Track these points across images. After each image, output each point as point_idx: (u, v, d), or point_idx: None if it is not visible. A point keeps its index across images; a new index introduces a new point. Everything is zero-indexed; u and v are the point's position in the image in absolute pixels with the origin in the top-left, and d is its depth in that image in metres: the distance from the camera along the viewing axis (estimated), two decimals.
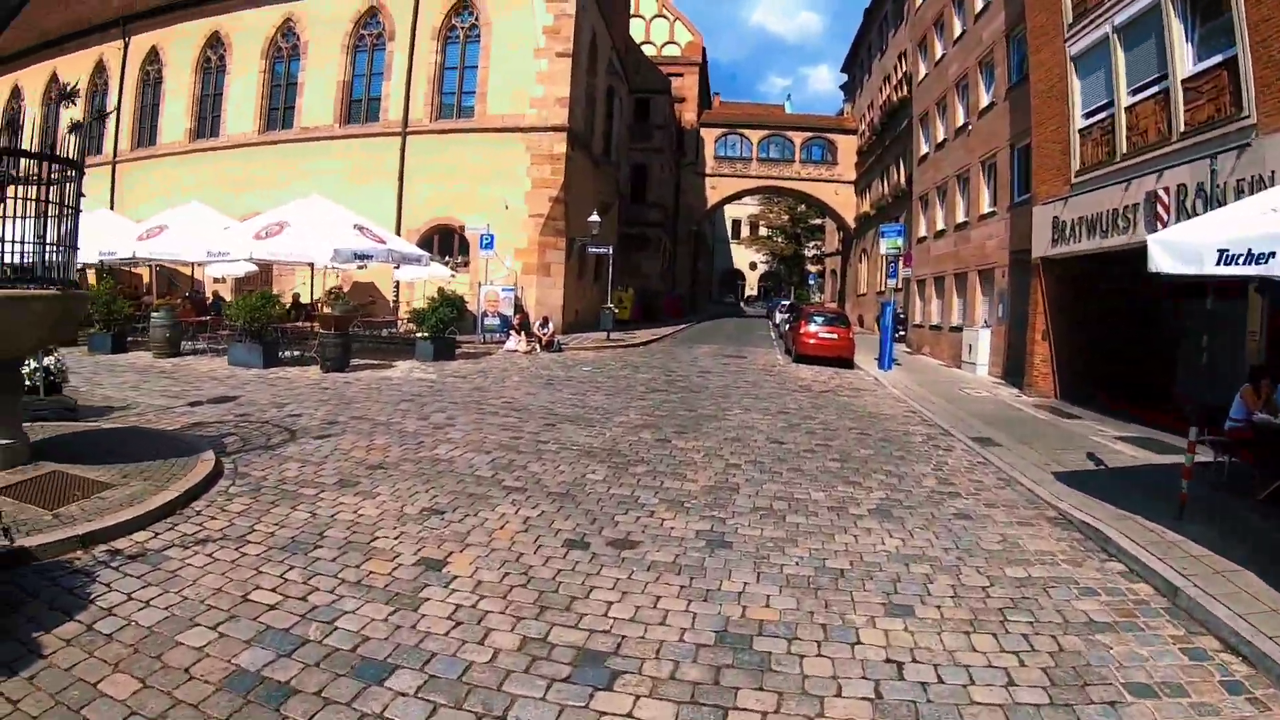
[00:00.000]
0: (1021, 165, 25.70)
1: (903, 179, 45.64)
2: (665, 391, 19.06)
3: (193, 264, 29.99)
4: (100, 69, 44.21)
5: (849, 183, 64.07)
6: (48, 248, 9.14)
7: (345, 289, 33.53)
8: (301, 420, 13.59)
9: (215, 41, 39.58)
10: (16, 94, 48.04)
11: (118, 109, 42.19)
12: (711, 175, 66.43)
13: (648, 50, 61.65)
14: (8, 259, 8.69)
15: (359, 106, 35.90)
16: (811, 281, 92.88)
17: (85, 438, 10.92)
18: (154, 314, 24.28)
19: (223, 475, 9.68)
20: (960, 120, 31.98)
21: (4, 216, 8.65)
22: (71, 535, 7.02)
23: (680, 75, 63.04)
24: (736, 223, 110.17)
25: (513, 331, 27.96)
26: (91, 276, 31.95)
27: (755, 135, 66.83)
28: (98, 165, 41.08)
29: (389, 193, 34.12)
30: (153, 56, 42.08)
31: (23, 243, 8.82)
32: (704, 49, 66.32)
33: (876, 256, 51.02)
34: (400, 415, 14.48)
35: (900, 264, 27.98)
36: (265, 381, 18.33)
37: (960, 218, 31.25)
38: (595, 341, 31.32)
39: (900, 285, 28.06)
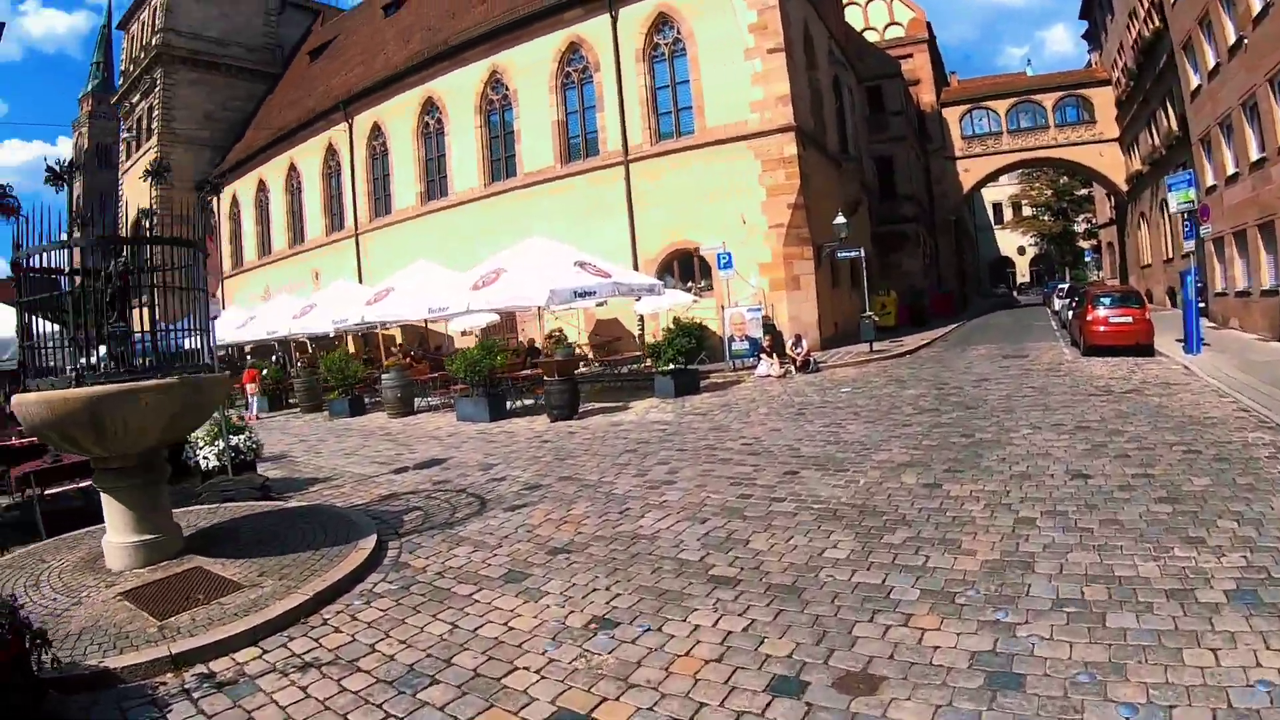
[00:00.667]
0: None
1: (1174, 123, 39.91)
2: (935, 411, 16.09)
3: (425, 321, 29.98)
4: (331, 152, 47.80)
5: (1112, 140, 57.39)
6: (174, 333, 9.00)
7: (589, 328, 32.78)
8: (502, 486, 12.35)
9: (430, 107, 41.01)
10: (262, 186, 54.62)
11: (352, 185, 45.62)
12: (961, 157, 61.74)
13: (869, 37, 58.09)
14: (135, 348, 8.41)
15: (577, 142, 35.42)
16: (1088, 259, 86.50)
17: (253, 522, 10.32)
18: (384, 375, 24.94)
19: (379, 566, 8.56)
20: (1231, 37, 26.86)
21: (138, 305, 8.45)
22: (162, 655, 6.16)
23: (909, 56, 58.96)
24: (997, 206, 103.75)
25: (763, 354, 25.61)
26: (351, 343, 32.50)
27: (1001, 106, 61.55)
28: (342, 239, 46.97)
29: (620, 224, 33.03)
30: (375, 132, 44.47)
31: (140, 333, 8.51)
32: (929, 24, 61.87)
33: (1156, 220, 46.01)
34: (615, 472, 12.65)
35: (1198, 220, 23.72)
36: (485, 438, 17.64)
37: (1254, 154, 26.14)
38: (856, 355, 28.43)
39: (1194, 248, 23.72)
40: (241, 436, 13.61)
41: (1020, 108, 61.70)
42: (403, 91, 41.74)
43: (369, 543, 8.91)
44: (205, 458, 13.28)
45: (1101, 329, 23.96)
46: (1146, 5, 40.76)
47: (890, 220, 50.57)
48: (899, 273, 50.18)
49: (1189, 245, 23.14)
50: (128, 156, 65.62)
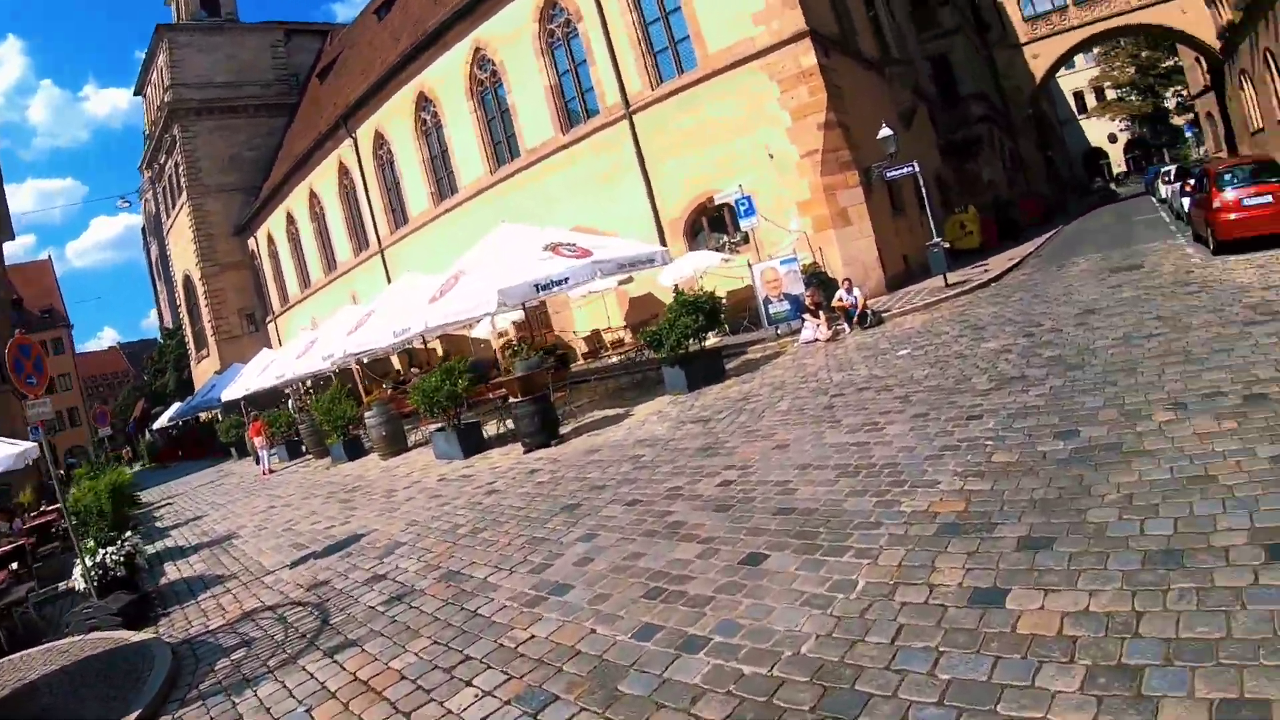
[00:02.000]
0: None
1: None
2: (1020, 381, 11.01)
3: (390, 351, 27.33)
4: (344, 171, 45.56)
5: None
6: None
7: (623, 310, 28.53)
8: (372, 593, 9.35)
9: (424, 102, 38.03)
10: (290, 219, 52.99)
11: (368, 199, 43.53)
12: (1027, 43, 55.55)
13: None
14: None
15: (575, 106, 31.14)
16: (1189, 135, 78.85)
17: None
18: (368, 414, 22.48)
19: None
20: None
21: None
22: None
23: None
24: (1078, 94, 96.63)
25: (806, 315, 20.60)
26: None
27: None
28: (369, 258, 44.42)
29: (636, 187, 28.41)
30: (379, 140, 41.70)
31: None
32: None
33: (1262, 74, 39.68)
34: (519, 558, 8.98)
35: None
36: (440, 488, 14.64)
37: None
38: (930, 293, 23.06)
39: None
40: (110, 550, 11.42)
41: None
42: (396, 92, 38.94)
43: None
44: (77, 580, 11.47)
45: (1235, 216, 18.26)
46: None
47: (959, 126, 44.26)
48: (980, 184, 43.91)
49: None
50: (167, 215, 65.38)
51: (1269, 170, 19.06)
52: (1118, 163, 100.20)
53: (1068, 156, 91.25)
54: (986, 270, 26.05)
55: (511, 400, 15.94)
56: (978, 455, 8.25)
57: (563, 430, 16.07)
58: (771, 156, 25.03)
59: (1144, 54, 79.73)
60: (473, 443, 17.13)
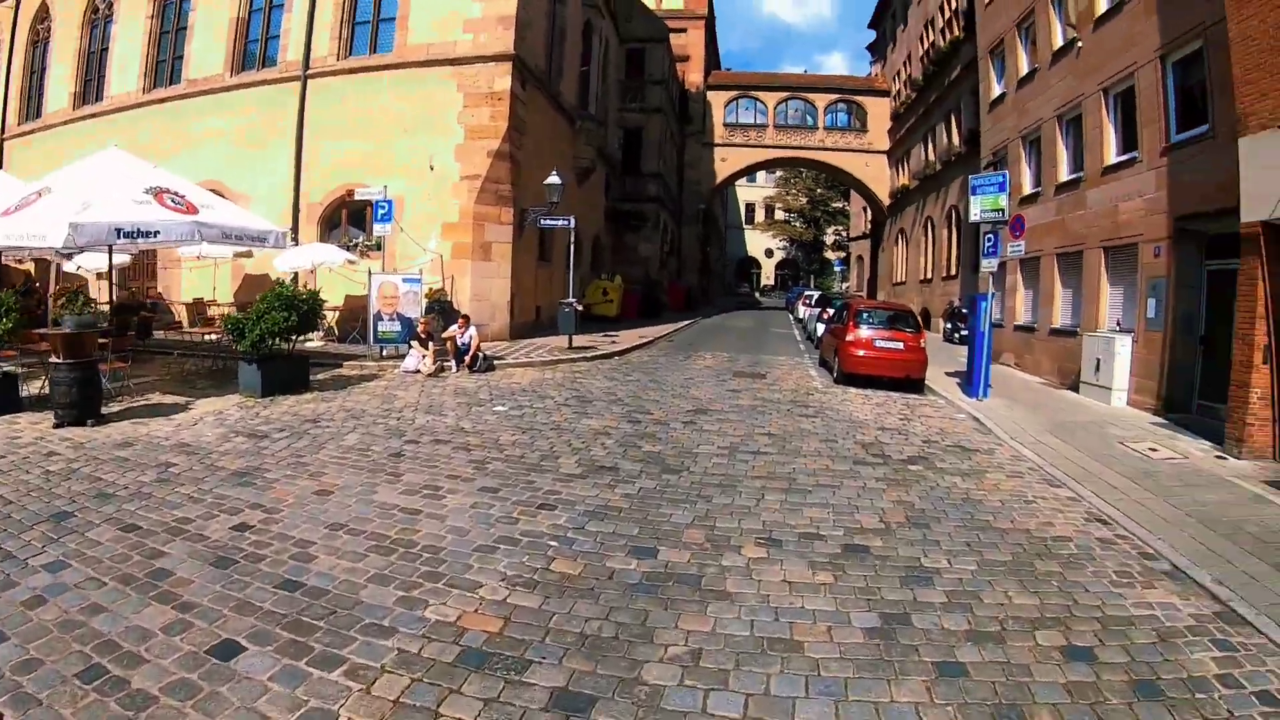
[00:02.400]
0: (1180, 86, 17.02)
1: (958, 138, 36.84)
2: (609, 474, 10.00)
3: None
4: None
5: (881, 153, 55.04)
6: None
7: (235, 286, 25.38)
8: None
9: None
10: None
11: (6, 77, 34.96)
12: (721, 145, 57.09)
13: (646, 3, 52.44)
14: None
15: (255, 48, 27.44)
16: (838, 268, 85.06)
17: None
18: None
19: None
20: (1059, 40, 22.72)
21: None
22: None
23: (683, 30, 53.93)
24: (750, 206, 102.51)
25: (414, 342, 18.97)
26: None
27: (771, 99, 57.49)
28: None
29: (287, 155, 25.58)
30: (43, 13, 34.16)
31: None
32: (710, 1, 57.27)
33: (918, 238, 43.59)
34: None
35: (1004, 235, 18.50)
36: None
37: (1065, 174, 22.15)
38: (552, 351, 22.29)
39: (995, 268, 18.25)
40: None
41: (791, 102, 58.13)
42: None
43: None
44: None
45: (863, 353, 19.02)
46: (946, 16, 39.43)
47: (631, 198, 44.80)
48: (634, 258, 44.68)
49: (990, 264, 17.79)
50: None
51: (907, 321, 19.88)
52: (768, 275, 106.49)
53: (725, 258, 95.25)
54: (615, 342, 25.79)
55: (52, 360, 12.87)
56: (536, 558, 7.09)
57: (110, 408, 13.23)
58: (433, 169, 23.65)
59: (819, 190, 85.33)
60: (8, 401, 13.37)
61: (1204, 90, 15.92)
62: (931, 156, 41.94)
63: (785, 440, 12.37)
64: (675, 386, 17.67)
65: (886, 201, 53.59)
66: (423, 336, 18.69)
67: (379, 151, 24.26)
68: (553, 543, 7.45)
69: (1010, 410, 16.23)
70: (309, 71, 25.37)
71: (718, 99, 57.38)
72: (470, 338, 18.81)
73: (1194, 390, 16.44)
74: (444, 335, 19.05)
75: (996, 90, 28.25)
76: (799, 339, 33.49)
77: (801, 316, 40.06)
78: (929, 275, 41.45)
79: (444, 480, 9.44)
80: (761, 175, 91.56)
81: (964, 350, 27.28)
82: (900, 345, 18.85)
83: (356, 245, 24.32)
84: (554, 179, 23.52)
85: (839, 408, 15.85)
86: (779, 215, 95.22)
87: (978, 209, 17.79)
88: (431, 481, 9.37)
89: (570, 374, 19.11)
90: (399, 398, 15.18)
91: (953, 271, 37.33)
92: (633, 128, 45.17)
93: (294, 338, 15.86)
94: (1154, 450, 13.13)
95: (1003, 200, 17.39)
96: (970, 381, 17.85)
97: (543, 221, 24.20)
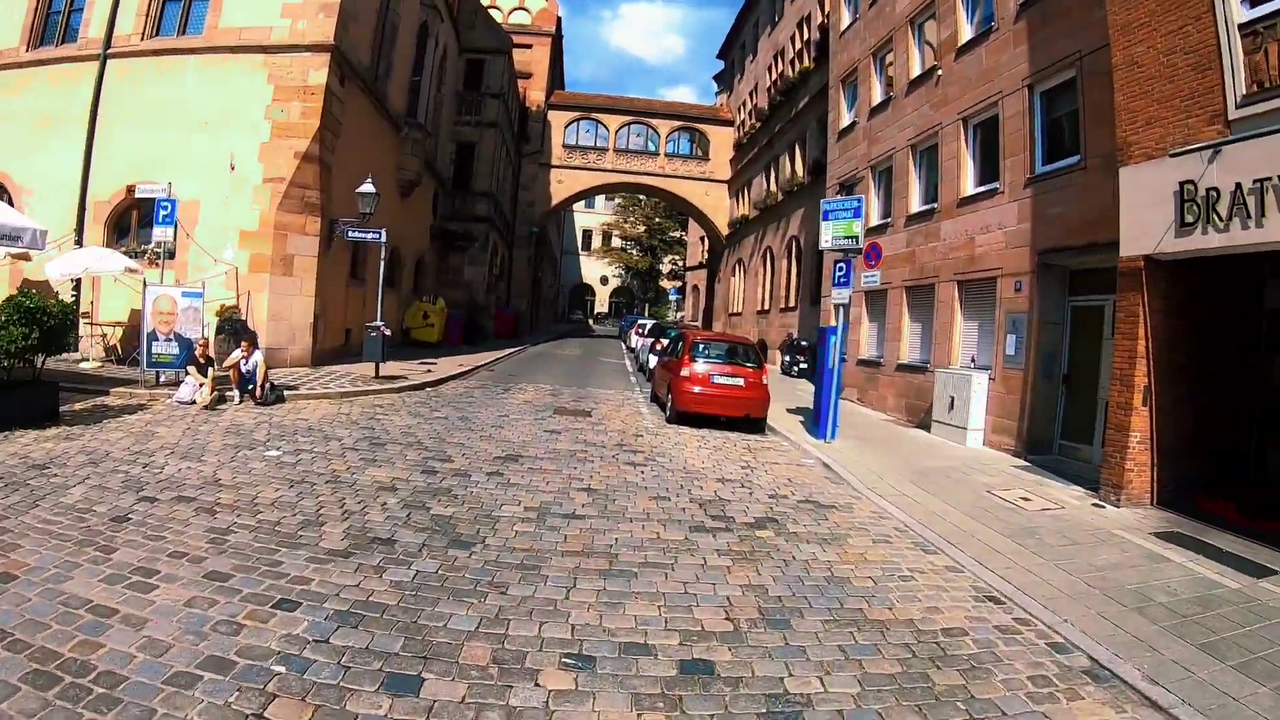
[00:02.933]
0: (1048, 116, 16.10)
1: (802, 169, 36.04)
2: (380, 554, 7.65)
3: None
4: None
5: (722, 182, 54.34)
6: None
7: (13, 288, 21.95)
8: None
9: None
10: None
11: None
12: (559, 167, 54.80)
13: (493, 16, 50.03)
14: None
15: (58, 19, 23.72)
16: (673, 297, 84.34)
17: None
18: None
19: None
20: (917, 69, 21.82)
21: None
22: None
23: (528, 47, 51.51)
24: (587, 233, 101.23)
25: (192, 368, 15.91)
26: None
27: (614, 122, 55.72)
28: None
29: (77, 144, 21.96)
30: None
31: None
32: (559, 18, 55.20)
33: (756, 267, 42.92)
34: None
35: (857, 263, 16.95)
36: None
37: (917, 205, 21.15)
38: (356, 380, 19.65)
39: (847, 300, 16.66)
40: None
41: (634, 127, 56.55)
42: None
43: None
44: None
45: (700, 390, 17.13)
46: (797, 47, 39.33)
47: (460, 217, 41.93)
48: (460, 280, 41.82)
49: (842, 295, 16.17)
50: None
51: (748, 355, 18.33)
52: (603, 302, 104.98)
53: (559, 284, 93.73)
54: (430, 371, 23.34)
55: None
56: (248, 696, 4.81)
57: None
58: (234, 169, 20.69)
59: (657, 219, 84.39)
60: None
61: (1075, 121, 14.97)
62: (773, 187, 41.17)
63: (608, 498, 10.35)
64: (487, 426, 15.38)
65: (725, 231, 52.97)
66: (200, 362, 15.76)
67: (179, 147, 21.11)
68: (278, 668, 5.18)
69: (862, 454, 14.68)
70: (110, 50, 21.99)
71: (559, 119, 55.41)
72: (255, 364, 15.94)
73: (1055, 430, 15.53)
74: (225, 363, 16.32)
75: (847, 119, 27.23)
76: (630, 370, 31.72)
77: (634, 346, 38.45)
78: (766, 306, 40.62)
79: (164, 560, 6.94)
80: (600, 202, 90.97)
81: (804, 384, 26.09)
82: (740, 382, 17.09)
83: (144, 251, 21.16)
84: (367, 187, 20.96)
85: (672, 453, 13.91)
86: (616, 243, 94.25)
87: (829, 235, 16.12)
88: (149, 562, 6.87)
89: (370, 408, 16.54)
90: (157, 436, 12.35)
91: (791, 303, 36.41)
92: (466, 143, 42.41)
93: (41, 358, 13.08)
94: (1026, 500, 11.85)
95: (857, 226, 15.72)
96: (817, 422, 16.23)
97: (350, 233, 21.53)
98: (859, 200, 16.21)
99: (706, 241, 60.04)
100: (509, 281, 52.72)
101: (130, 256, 19.85)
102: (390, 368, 21.45)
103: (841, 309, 16.34)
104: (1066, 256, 14.79)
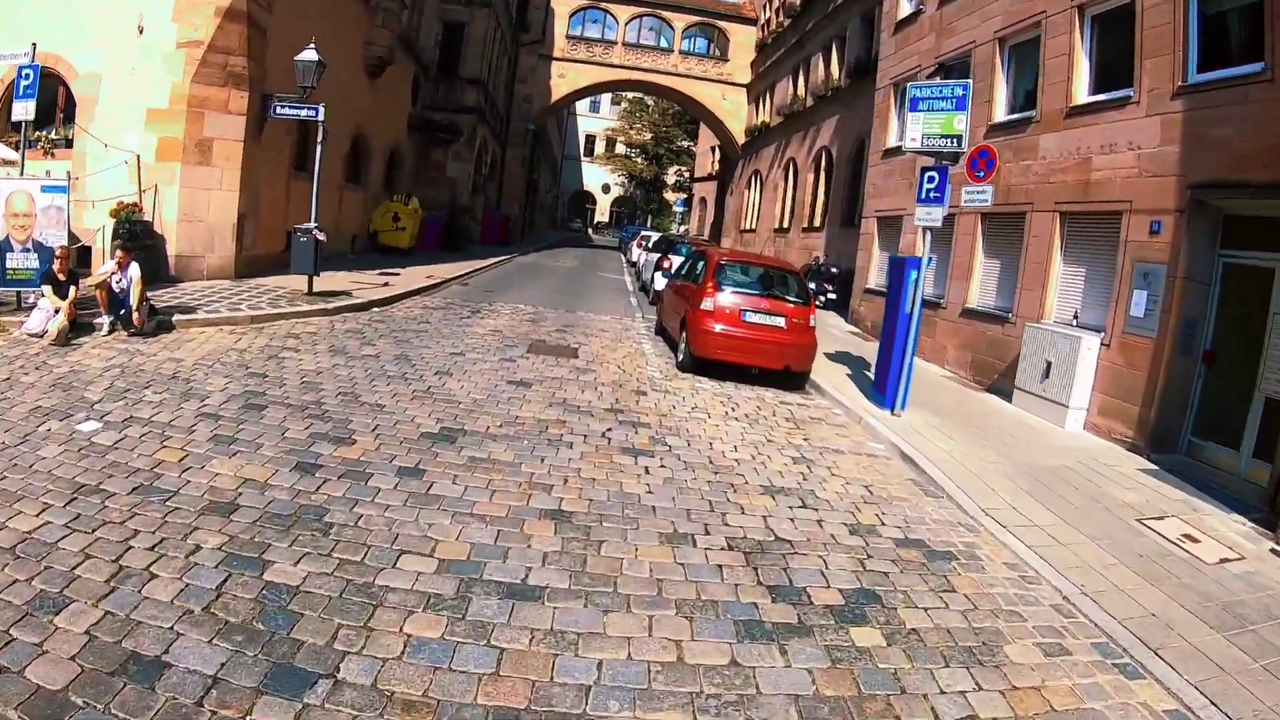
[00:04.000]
0: (1209, 7, 11.68)
1: (839, 71, 31.82)
2: (222, 615, 4.30)
3: None
4: None
5: (741, 85, 49.88)
6: None
7: None
8: None
9: None
10: None
11: None
12: (561, 60, 50.20)
13: None
14: None
15: None
16: (679, 208, 79.95)
17: None
18: None
19: None
20: None
21: None
22: None
23: None
24: (591, 138, 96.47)
25: (47, 288, 11.57)
26: None
27: (624, 13, 50.98)
28: None
29: None
30: None
31: None
32: None
33: (776, 180, 38.90)
34: None
35: (962, 171, 12.61)
36: None
37: (1002, 114, 16.83)
38: (283, 298, 15.53)
39: (939, 222, 12.22)
40: None
41: (645, 19, 52.03)
42: None
43: None
44: None
45: (725, 330, 13.02)
46: None
47: (444, 107, 36.76)
48: (441, 178, 37.10)
49: (928, 215, 11.77)
50: None
51: (790, 286, 14.14)
52: (603, 211, 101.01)
53: (559, 189, 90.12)
54: (387, 284, 19.36)
55: None
56: None
57: None
58: (141, 31, 16.15)
59: (665, 127, 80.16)
60: None
61: (1254, 14, 10.72)
62: (802, 91, 36.93)
63: (588, 536, 6.33)
64: (429, 372, 11.28)
65: (741, 140, 48.72)
66: (60, 279, 11.61)
67: (81, 9, 16.63)
68: None
69: (943, 436, 10.73)
70: None
71: (563, 7, 50.57)
72: (130, 281, 11.81)
73: (1186, 424, 11.45)
74: (91, 279, 12.22)
75: (908, 8, 22.45)
76: (630, 289, 27.72)
77: (635, 260, 34.55)
78: (786, 224, 36.60)
79: None
80: (605, 106, 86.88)
81: (833, 318, 22.65)
82: (780, 322, 12.98)
83: (38, 140, 16.81)
84: (309, 54, 16.40)
85: (689, 429, 9.88)
86: (620, 149, 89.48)
87: (918, 132, 11.68)
88: None
89: (282, 340, 12.42)
90: None
91: (817, 223, 32.45)
92: (455, 22, 37.18)
93: None
94: (1192, 539, 8.01)
95: (959, 122, 11.35)
96: (881, 387, 12.18)
97: (278, 109, 16.89)
98: (966, 85, 11.56)
99: (718, 151, 55.83)
100: (500, 183, 48.23)
101: (14, 149, 15.21)
102: (338, 280, 17.59)
103: (928, 234, 12.07)
104: (1232, 194, 10.74)
